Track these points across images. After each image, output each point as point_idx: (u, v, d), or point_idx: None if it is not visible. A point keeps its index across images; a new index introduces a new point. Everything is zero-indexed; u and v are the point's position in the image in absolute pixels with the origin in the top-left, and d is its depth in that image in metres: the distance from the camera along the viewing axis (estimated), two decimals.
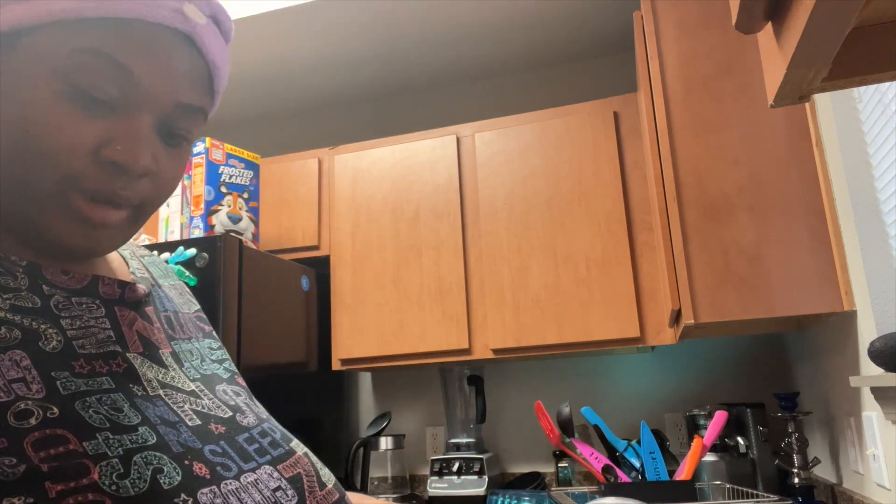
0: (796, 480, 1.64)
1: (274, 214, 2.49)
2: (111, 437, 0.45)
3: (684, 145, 1.59)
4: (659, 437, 1.87)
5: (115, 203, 0.51)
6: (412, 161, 2.37)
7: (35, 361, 0.46)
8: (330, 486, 0.59)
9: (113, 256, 0.63)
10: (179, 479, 0.46)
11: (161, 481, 0.45)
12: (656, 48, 1.67)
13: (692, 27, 1.66)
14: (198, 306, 0.71)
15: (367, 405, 2.66)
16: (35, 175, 0.48)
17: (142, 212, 0.54)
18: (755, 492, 1.53)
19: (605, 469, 1.66)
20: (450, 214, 2.28)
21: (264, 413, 0.63)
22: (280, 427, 0.62)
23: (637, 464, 1.68)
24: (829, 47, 0.44)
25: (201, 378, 0.59)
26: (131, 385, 0.50)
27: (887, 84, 1.19)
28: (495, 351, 2.14)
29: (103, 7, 0.48)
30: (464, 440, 2.30)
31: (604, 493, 1.57)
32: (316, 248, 2.43)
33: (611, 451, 1.75)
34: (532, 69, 2.73)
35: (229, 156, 2.35)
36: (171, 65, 0.51)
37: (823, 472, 1.74)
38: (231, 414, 0.56)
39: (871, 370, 1.29)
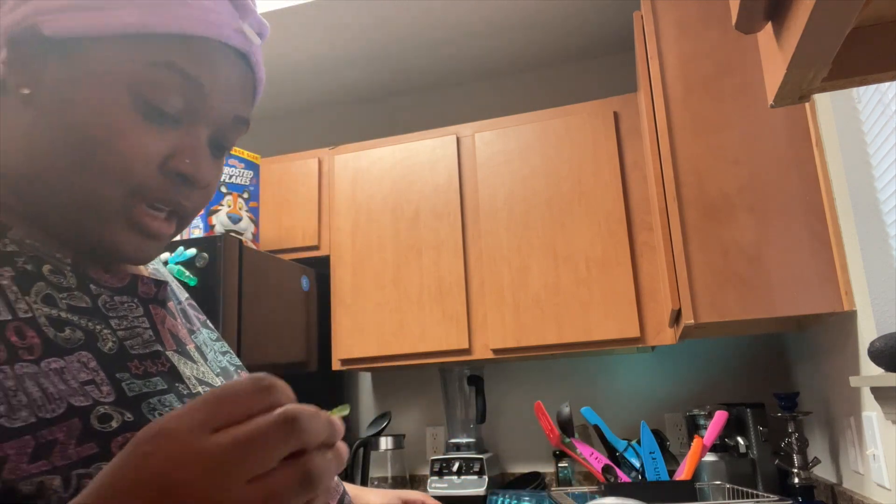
0: (796, 480, 1.64)
1: (274, 214, 2.49)
2: None
3: (684, 145, 1.59)
4: (659, 437, 1.87)
5: (171, 213, 0.52)
6: (412, 161, 2.37)
7: (100, 363, 0.47)
8: (336, 480, 0.60)
9: None
10: None
11: None
12: (656, 48, 1.67)
13: (692, 27, 1.66)
14: (186, 293, 0.70)
15: (367, 405, 2.66)
16: (101, 184, 0.48)
17: (185, 223, 0.55)
18: (755, 492, 1.53)
19: (605, 469, 1.66)
20: (450, 214, 2.28)
21: None
22: None
23: (637, 464, 1.68)
24: (829, 47, 0.44)
25: (221, 371, 0.60)
26: (177, 384, 0.51)
27: (887, 84, 1.19)
28: (495, 351, 2.14)
29: (171, 23, 0.48)
30: (464, 440, 2.30)
31: (604, 493, 1.57)
32: (316, 248, 2.43)
33: (611, 451, 1.75)
34: (532, 69, 2.73)
35: (229, 155, 2.35)
36: (232, 81, 0.53)
37: (823, 472, 1.74)
38: None
39: (871, 370, 1.29)
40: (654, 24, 1.68)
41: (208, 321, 0.69)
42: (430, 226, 2.29)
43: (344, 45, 2.47)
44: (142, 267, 0.62)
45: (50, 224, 0.51)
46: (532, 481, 2.25)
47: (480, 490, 2.10)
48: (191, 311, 0.66)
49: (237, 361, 0.66)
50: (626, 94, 2.21)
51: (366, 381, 2.68)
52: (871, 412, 1.31)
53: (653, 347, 2.24)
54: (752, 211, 1.51)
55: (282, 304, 2.12)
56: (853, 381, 1.27)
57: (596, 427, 1.75)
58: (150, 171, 0.49)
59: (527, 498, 1.94)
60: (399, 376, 2.64)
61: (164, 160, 0.50)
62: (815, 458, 1.64)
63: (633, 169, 2.13)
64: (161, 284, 0.57)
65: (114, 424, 0.44)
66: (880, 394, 1.24)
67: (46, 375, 0.43)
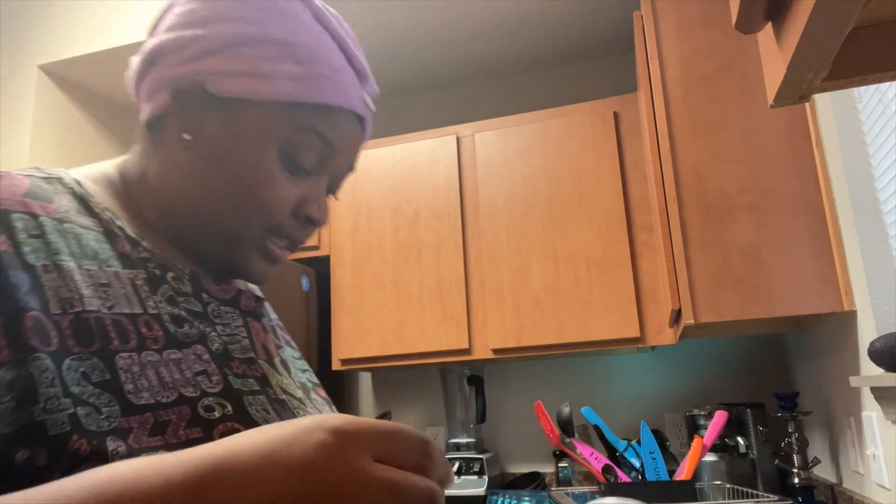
0: (796, 480, 1.64)
1: None
2: None
3: (684, 145, 1.59)
4: (659, 437, 1.87)
5: (290, 244, 0.63)
6: (412, 161, 2.37)
7: (211, 357, 0.55)
8: None
9: None
10: None
11: None
12: (656, 48, 1.67)
13: (692, 27, 1.66)
14: (276, 315, 0.79)
15: (367, 405, 2.66)
16: (247, 222, 0.59)
17: (295, 250, 0.66)
18: (755, 492, 1.53)
19: (605, 469, 1.66)
20: (450, 214, 2.28)
21: None
22: None
23: (637, 464, 1.68)
24: (829, 47, 0.44)
25: (301, 386, 0.66)
26: (267, 389, 0.58)
27: (887, 84, 1.19)
28: (495, 351, 2.14)
29: (316, 95, 0.58)
30: (464, 440, 2.30)
31: (604, 493, 1.57)
32: (316, 248, 2.43)
33: (611, 451, 1.75)
34: (532, 69, 2.73)
35: None
36: (355, 143, 0.64)
37: (823, 472, 1.74)
38: None
39: (871, 370, 1.29)
40: (654, 24, 1.68)
41: (291, 342, 0.76)
42: (430, 226, 2.29)
43: None
44: (242, 284, 0.72)
45: (187, 242, 0.61)
46: (532, 481, 2.25)
47: (480, 490, 2.10)
48: (278, 331, 0.73)
49: (315, 379, 0.72)
50: (626, 94, 2.21)
51: (366, 381, 2.68)
52: (871, 412, 1.31)
53: (653, 347, 2.24)
54: (752, 211, 1.51)
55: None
56: (853, 381, 1.27)
57: (596, 427, 1.75)
58: (285, 214, 0.60)
59: (527, 498, 1.94)
60: (399, 376, 2.64)
61: (296, 206, 0.61)
62: (815, 458, 1.64)
63: (633, 169, 2.13)
64: (259, 301, 0.66)
65: (216, 414, 0.50)
66: (880, 394, 1.24)
67: (166, 364, 0.50)
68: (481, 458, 2.17)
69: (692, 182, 1.57)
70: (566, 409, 1.78)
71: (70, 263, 0.50)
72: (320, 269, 2.48)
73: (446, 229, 2.27)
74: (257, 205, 0.58)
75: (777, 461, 1.73)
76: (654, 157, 1.69)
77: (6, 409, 0.42)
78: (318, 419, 0.36)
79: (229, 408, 0.52)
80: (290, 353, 0.70)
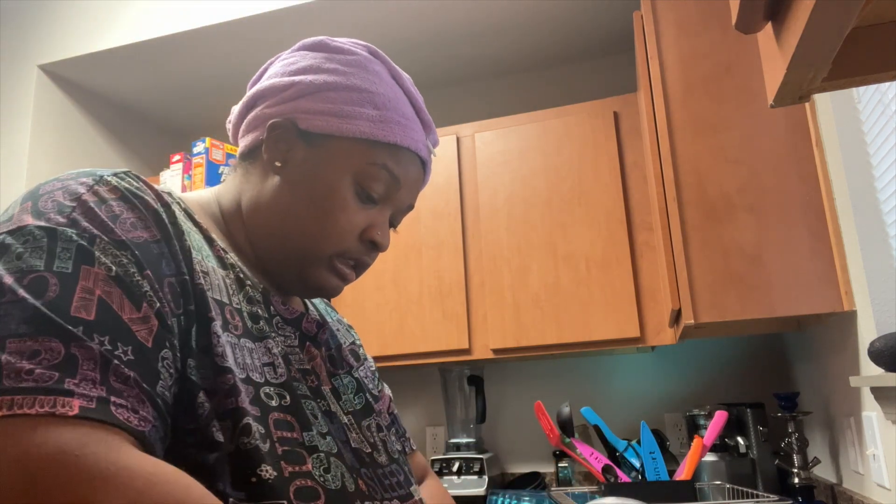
0: (796, 480, 1.64)
1: None
2: (315, 435, 0.59)
3: (684, 145, 1.59)
4: (659, 437, 1.87)
5: (359, 269, 0.72)
6: None
7: (279, 352, 0.62)
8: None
9: (298, 299, 0.79)
10: (354, 487, 0.59)
11: (346, 485, 0.58)
12: (656, 48, 1.67)
13: (692, 27, 1.66)
14: (354, 337, 0.87)
15: None
16: (323, 242, 0.67)
17: (362, 272, 0.74)
18: (755, 492, 1.53)
19: (605, 469, 1.66)
20: (450, 214, 2.28)
21: (396, 451, 0.76)
22: (405, 468, 0.75)
23: (637, 464, 1.68)
24: (829, 47, 0.44)
25: (353, 412, 0.71)
26: (319, 400, 0.64)
27: (887, 84, 1.19)
28: (495, 351, 2.14)
29: (389, 136, 0.68)
30: (464, 440, 2.30)
31: (604, 493, 1.57)
32: None
33: (611, 451, 1.75)
34: (532, 69, 2.73)
35: (229, 156, 2.35)
36: (417, 182, 0.73)
37: (823, 472, 1.74)
38: (370, 451, 0.69)
39: (871, 370, 1.29)
40: (654, 24, 1.68)
41: (356, 368, 0.81)
42: (429, 226, 2.29)
43: None
44: (310, 309, 0.80)
45: (269, 260, 0.69)
46: (532, 481, 2.25)
47: (480, 490, 2.10)
48: (346, 354, 0.79)
49: (375, 403, 0.78)
50: (626, 94, 2.21)
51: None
52: (871, 412, 1.31)
53: (653, 347, 2.24)
54: (752, 211, 1.51)
55: None
56: (853, 381, 1.27)
57: (596, 427, 1.75)
58: (352, 236, 0.68)
59: (527, 498, 1.94)
60: (399, 376, 2.64)
61: (363, 231, 0.69)
62: (815, 458, 1.64)
63: (633, 169, 2.13)
64: (322, 327, 0.73)
65: (273, 403, 0.57)
66: (880, 394, 1.24)
67: (241, 349, 0.58)
68: (481, 458, 2.17)
69: (692, 182, 1.57)
70: (566, 409, 1.78)
71: (193, 250, 0.58)
72: None
73: (446, 229, 2.27)
74: (330, 227, 0.67)
75: (777, 461, 1.73)
76: (654, 157, 1.69)
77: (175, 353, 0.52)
78: None
79: (287, 399, 0.59)
80: (349, 381, 0.76)
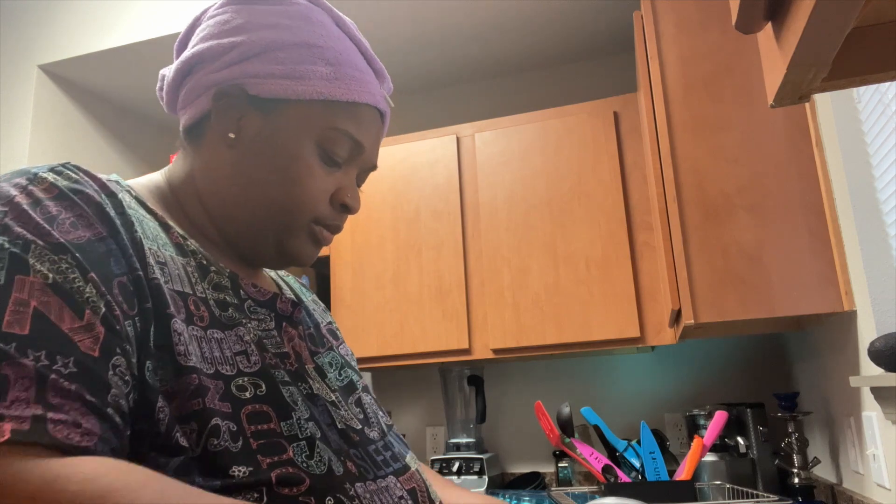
0: (796, 480, 1.64)
1: None
2: (294, 423, 0.56)
3: (684, 145, 1.59)
4: (659, 437, 1.87)
5: (333, 231, 0.69)
6: (412, 161, 2.37)
7: (251, 339, 0.59)
8: (437, 503, 0.69)
9: (268, 278, 0.77)
10: (342, 469, 0.56)
11: (333, 468, 0.55)
12: (656, 48, 1.67)
13: (692, 27, 1.66)
14: (330, 318, 0.84)
15: None
16: (292, 210, 0.64)
17: (334, 236, 0.71)
18: (755, 492, 1.53)
19: (605, 469, 1.66)
20: (450, 214, 2.28)
21: (386, 422, 0.74)
22: (398, 439, 0.72)
23: (637, 464, 1.68)
24: (829, 47, 0.44)
25: (339, 389, 0.69)
26: (300, 383, 0.61)
27: (887, 84, 1.19)
28: (495, 351, 2.14)
29: (347, 94, 0.64)
30: (464, 440, 2.29)
31: (604, 493, 1.57)
32: None
33: (611, 451, 1.75)
34: (532, 69, 2.73)
35: None
36: (377, 138, 0.70)
37: (823, 472, 1.74)
38: (361, 426, 0.66)
39: (871, 370, 1.29)
40: (654, 24, 1.68)
41: (337, 346, 0.79)
42: (430, 225, 2.29)
43: None
44: (283, 289, 0.77)
45: (237, 236, 0.66)
46: (532, 481, 2.25)
47: (480, 490, 2.10)
48: (325, 333, 0.77)
49: (360, 383, 0.76)
50: (626, 94, 2.21)
51: (366, 381, 2.68)
52: (871, 412, 1.31)
53: (653, 347, 2.24)
54: (752, 211, 1.51)
55: None
56: (853, 381, 1.27)
57: (596, 427, 1.75)
58: (323, 201, 0.66)
59: (527, 498, 1.94)
60: (399, 376, 2.64)
61: (333, 195, 0.67)
62: (815, 458, 1.64)
63: (633, 169, 2.13)
64: (296, 306, 0.69)
65: (246, 395, 0.54)
66: (880, 394, 1.24)
67: (208, 342, 0.55)
68: (481, 458, 2.17)
69: (692, 182, 1.57)
70: (566, 409, 1.78)
71: (145, 242, 0.55)
72: (320, 269, 2.48)
73: (446, 229, 2.27)
74: (300, 194, 0.63)
75: (777, 461, 1.73)
76: (654, 157, 1.69)
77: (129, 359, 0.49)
78: None
79: (263, 388, 0.56)
80: (331, 358, 0.73)
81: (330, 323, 0.82)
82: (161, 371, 0.50)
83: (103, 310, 0.48)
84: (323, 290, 2.41)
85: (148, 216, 0.59)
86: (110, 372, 0.46)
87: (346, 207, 0.68)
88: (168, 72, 0.68)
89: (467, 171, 2.31)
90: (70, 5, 2.52)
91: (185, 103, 0.67)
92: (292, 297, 0.73)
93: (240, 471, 0.49)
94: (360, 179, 0.72)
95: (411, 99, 2.88)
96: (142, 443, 0.48)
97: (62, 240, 0.48)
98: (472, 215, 2.27)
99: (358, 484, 0.56)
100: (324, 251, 2.42)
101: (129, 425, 0.47)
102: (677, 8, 1.67)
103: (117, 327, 0.48)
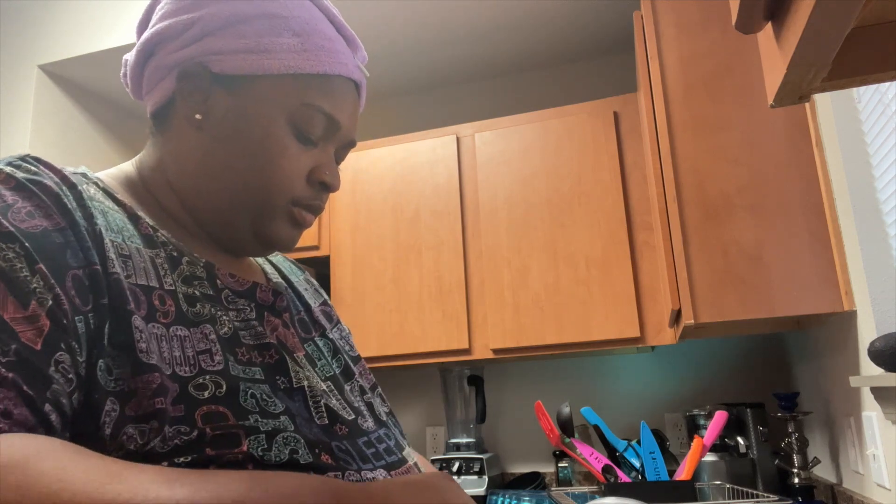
0: (796, 480, 1.64)
1: None
2: (260, 419, 0.52)
3: (684, 145, 1.59)
4: (659, 437, 1.87)
5: (314, 211, 0.65)
6: (412, 161, 2.37)
7: (217, 338, 0.55)
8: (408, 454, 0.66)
9: (253, 264, 0.72)
10: (311, 460, 0.52)
11: (298, 458, 0.52)
12: (656, 48, 1.67)
13: (692, 27, 1.66)
14: (324, 297, 0.80)
15: None
16: (268, 191, 0.61)
17: (316, 216, 0.67)
18: (755, 492, 1.53)
19: (605, 469, 1.66)
20: (450, 214, 2.28)
21: (384, 413, 0.70)
22: (396, 431, 0.69)
23: (637, 464, 1.68)
24: (829, 47, 0.44)
25: (332, 377, 0.66)
26: (278, 377, 0.57)
27: (887, 84, 1.19)
28: (495, 351, 2.14)
29: (316, 66, 0.61)
30: (464, 440, 2.29)
31: (604, 493, 1.57)
32: (316, 248, 2.43)
33: (611, 451, 1.75)
34: (532, 69, 2.73)
35: None
36: (353, 111, 0.66)
37: (823, 472, 1.74)
38: (353, 417, 0.62)
39: (871, 370, 1.29)
40: (654, 24, 1.68)
41: (329, 329, 0.75)
42: (429, 226, 2.29)
43: None
44: (263, 276, 0.72)
45: (213, 223, 0.63)
46: (532, 481, 2.25)
47: (480, 490, 2.10)
48: (318, 315, 0.74)
49: (353, 370, 0.72)
50: (626, 94, 2.21)
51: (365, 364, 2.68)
52: (871, 412, 1.31)
53: (653, 347, 2.24)
54: (752, 211, 1.51)
55: None
56: (853, 381, 1.27)
57: (596, 427, 1.75)
58: (301, 182, 0.62)
59: (527, 498, 1.94)
60: (399, 376, 2.64)
61: (310, 173, 0.63)
62: (815, 458, 1.64)
63: (633, 169, 2.13)
64: (279, 295, 0.65)
65: (206, 394, 0.50)
66: (880, 394, 1.24)
67: (169, 340, 0.51)
68: (481, 458, 2.17)
69: (692, 182, 1.57)
70: (566, 409, 1.78)
71: (104, 233, 0.52)
72: (320, 269, 2.48)
73: (446, 229, 2.27)
74: (274, 175, 0.60)
75: (777, 461, 1.73)
76: (654, 157, 1.69)
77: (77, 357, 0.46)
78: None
79: (223, 388, 0.52)
80: (323, 345, 0.70)
81: (324, 303, 0.78)
82: (117, 370, 0.47)
83: (50, 303, 0.45)
84: (323, 290, 2.41)
85: (115, 208, 0.57)
86: (52, 367, 0.44)
87: (325, 186, 0.64)
88: (130, 56, 0.65)
89: (467, 171, 2.31)
90: (70, 5, 2.52)
91: (149, 87, 0.64)
92: (280, 281, 0.71)
93: (184, 459, 0.47)
94: (340, 156, 0.68)
95: (411, 99, 2.88)
96: (81, 444, 0.45)
97: (12, 228, 0.46)
98: (472, 215, 2.27)
99: (331, 474, 0.53)
100: (324, 251, 2.42)
101: (68, 427, 0.45)
102: (677, 8, 1.67)
103: (64, 322, 0.46)
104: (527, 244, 2.17)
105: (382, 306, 2.27)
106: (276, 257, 0.81)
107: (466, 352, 2.17)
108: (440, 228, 2.28)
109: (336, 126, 0.64)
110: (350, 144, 0.68)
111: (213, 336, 0.55)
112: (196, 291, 0.57)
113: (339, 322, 0.79)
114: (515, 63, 2.67)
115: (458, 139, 2.35)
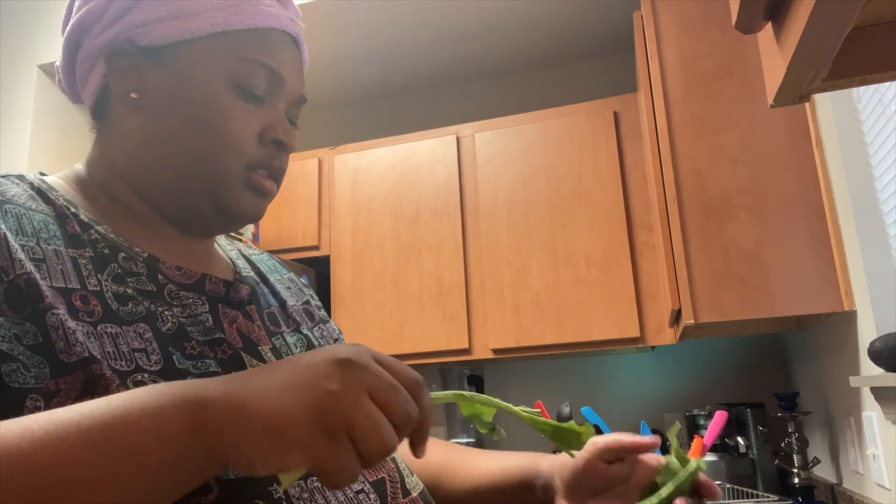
0: (796, 480, 1.64)
1: (274, 214, 2.49)
2: None
3: (684, 145, 1.59)
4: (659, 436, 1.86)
5: (275, 176, 0.62)
6: (412, 161, 2.37)
7: (155, 336, 0.52)
8: (415, 494, 0.61)
9: (220, 258, 0.69)
10: None
11: None
12: (656, 48, 1.67)
13: (692, 27, 1.66)
14: (308, 297, 0.77)
15: None
16: (219, 159, 0.58)
17: (279, 181, 0.64)
18: (755, 492, 1.53)
19: None
20: (450, 214, 2.28)
21: None
22: None
23: None
24: (829, 47, 0.44)
25: None
26: (233, 371, 0.54)
27: (887, 84, 1.19)
28: (495, 351, 2.14)
29: (246, 20, 0.59)
30: (464, 440, 2.30)
31: None
32: (316, 248, 2.43)
33: None
34: (532, 69, 2.73)
35: None
36: (296, 65, 0.64)
37: (823, 472, 1.74)
38: None
39: (871, 370, 1.29)
40: (654, 24, 1.68)
41: (314, 328, 0.72)
42: (430, 226, 2.29)
43: (344, 45, 2.47)
44: (230, 271, 0.68)
45: (166, 204, 0.60)
46: None
47: None
48: (294, 312, 0.70)
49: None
50: (626, 94, 2.21)
51: None
52: (871, 412, 1.31)
53: (653, 347, 2.24)
54: (752, 211, 1.51)
55: None
56: (853, 381, 1.27)
57: (596, 427, 1.75)
58: (253, 143, 0.59)
59: None
60: None
61: (261, 132, 0.60)
62: (815, 458, 1.64)
63: (633, 169, 2.13)
64: (231, 286, 0.62)
65: None
66: (880, 394, 1.24)
67: (99, 337, 0.49)
68: None
69: (692, 182, 1.57)
70: (566, 409, 1.78)
71: (8, 235, 0.50)
72: (320, 269, 2.48)
73: (446, 229, 2.27)
74: (222, 140, 0.58)
75: (777, 461, 1.73)
76: (654, 157, 1.69)
77: None
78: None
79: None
80: (297, 340, 0.67)
81: (306, 303, 0.76)
82: (35, 369, 0.45)
83: None
84: (323, 290, 2.41)
85: (41, 209, 0.54)
86: None
87: (279, 144, 0.61)
88: (59, 58, 0.63)
89: (467, 171, 2.31)
90: None
91: (82, 81, 0.62)
92: (251, 275, 0.69)
93: None
94: (293, 115, 0.65)
95: (411, 99, 2.88)
96: None
97: None
98: (472, 215, 2.27)
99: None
100: (324, 251, 2.42)
101: None
102: (677, 8, 1.67)
103: None
104: (527, 244, 2.17)
105: (382, 306, 2.27)
106: (260, 256, 0.79)
107: (466, 352, 2.17)
108: (440, 228, 2.28)
109: (279, 79, 0.61)
110: (300, 101, 0.65)
111: (148, 335, 0.52)
112: (128, 290, 0.54)
113: (324, 322, 0.76)
114: (515, 63, 2.67)
115: (458, 139, 2.35)
